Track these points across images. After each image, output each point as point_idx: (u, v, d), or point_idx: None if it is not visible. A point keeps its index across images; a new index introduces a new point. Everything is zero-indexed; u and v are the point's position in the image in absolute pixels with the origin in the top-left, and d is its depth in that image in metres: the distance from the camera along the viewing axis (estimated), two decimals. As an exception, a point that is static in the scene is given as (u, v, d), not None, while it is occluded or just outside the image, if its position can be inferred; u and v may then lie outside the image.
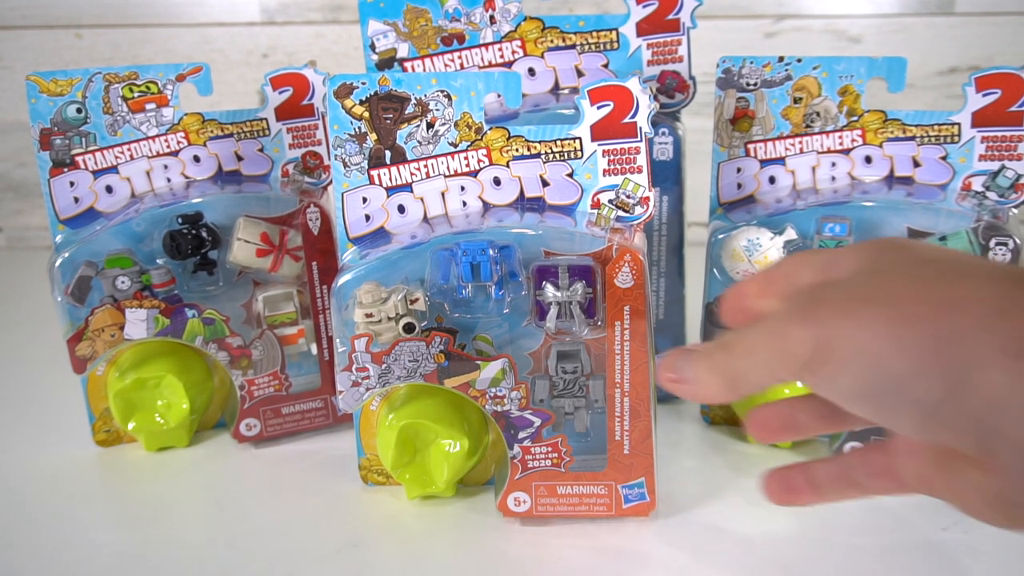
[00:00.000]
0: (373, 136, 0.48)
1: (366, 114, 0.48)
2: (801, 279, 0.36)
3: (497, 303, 0.48)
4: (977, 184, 0.53)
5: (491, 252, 0.47)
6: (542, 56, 0.60)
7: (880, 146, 0.55)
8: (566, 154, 0.48)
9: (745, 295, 0.38)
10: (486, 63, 0.60)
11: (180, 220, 0.56)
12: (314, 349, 0.59)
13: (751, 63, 0.55)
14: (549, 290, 0.47)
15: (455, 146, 0.48)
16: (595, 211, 0.48)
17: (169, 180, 0.58)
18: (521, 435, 0.48)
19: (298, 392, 0.59)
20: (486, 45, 0.59)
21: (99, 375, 0.58)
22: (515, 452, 0.48)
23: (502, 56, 0.60)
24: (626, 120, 0.47)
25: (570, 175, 0.48)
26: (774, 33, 0.93)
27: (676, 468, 0.54)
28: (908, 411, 0.30)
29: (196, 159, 0.58)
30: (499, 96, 0.51)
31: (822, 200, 0.54)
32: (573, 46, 0.59)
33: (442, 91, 0.47)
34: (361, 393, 0.48)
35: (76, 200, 0.56)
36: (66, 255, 0.55)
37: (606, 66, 0.60)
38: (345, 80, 0.47)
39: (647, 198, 0.48)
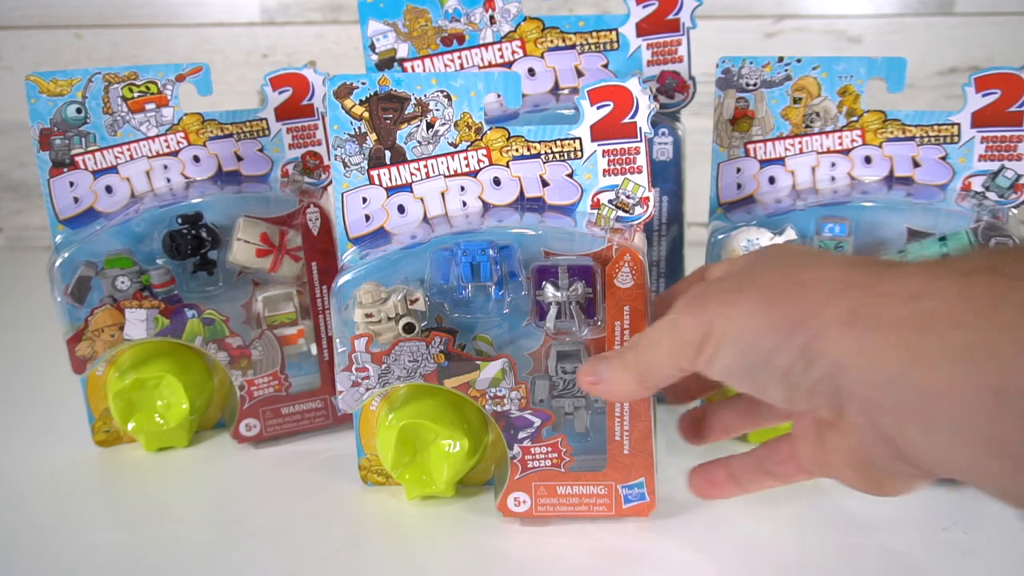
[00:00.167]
0: (373, 136, 0.48)
1: (366, 114, 0.48)
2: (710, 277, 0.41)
3: (497, 303, 0.48)
4: (977, 184, 0.53)
5: (491, 252, 0.47)
6: (542, 56, 0.60)
7: (880, 146, 0.55)
8: (566, 154, 0.48)
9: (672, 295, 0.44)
10: (486, 63, 0.60)
11: (180, 220, 0.56)
12: (314, 349, 0.59)
13: (751, 63, 0.55)
14: (549, 290, 0.47)
15: (455, 146, 0.48)
16: (595, 211, 0.48)
17: (169, 180, 0.58)
18: (521, 435, 0.48)
19: (298, 392, 0.59)
20: (486, 45, 0.59)
21: (99, 375, 0.58)
22: (515, 452, 0.48)
23: (502, 56, 0.60)
24: (626, 120, 0.47)
25: (570, 175, 0.48)
26: (774, 33, 0.93)
27: (676, 468, 0.54)
28: (776, 382, 0.34)
29: (196, 159, 0.58)
30: (499, 96, 0.51)
31: (822, 200, 0.54)
32: (573, 46, 0.59)
33: (442, 91, 0.47)
34: (361, 393, 0.48)
35: (76, 200, 0.56)
36: (66, 255, 0.55)
37: (606, 66, 0.60)
38: (345, 80, 0.47)
39: (647, 198, 0.48)
